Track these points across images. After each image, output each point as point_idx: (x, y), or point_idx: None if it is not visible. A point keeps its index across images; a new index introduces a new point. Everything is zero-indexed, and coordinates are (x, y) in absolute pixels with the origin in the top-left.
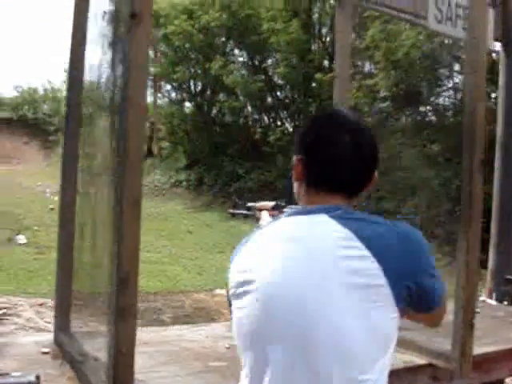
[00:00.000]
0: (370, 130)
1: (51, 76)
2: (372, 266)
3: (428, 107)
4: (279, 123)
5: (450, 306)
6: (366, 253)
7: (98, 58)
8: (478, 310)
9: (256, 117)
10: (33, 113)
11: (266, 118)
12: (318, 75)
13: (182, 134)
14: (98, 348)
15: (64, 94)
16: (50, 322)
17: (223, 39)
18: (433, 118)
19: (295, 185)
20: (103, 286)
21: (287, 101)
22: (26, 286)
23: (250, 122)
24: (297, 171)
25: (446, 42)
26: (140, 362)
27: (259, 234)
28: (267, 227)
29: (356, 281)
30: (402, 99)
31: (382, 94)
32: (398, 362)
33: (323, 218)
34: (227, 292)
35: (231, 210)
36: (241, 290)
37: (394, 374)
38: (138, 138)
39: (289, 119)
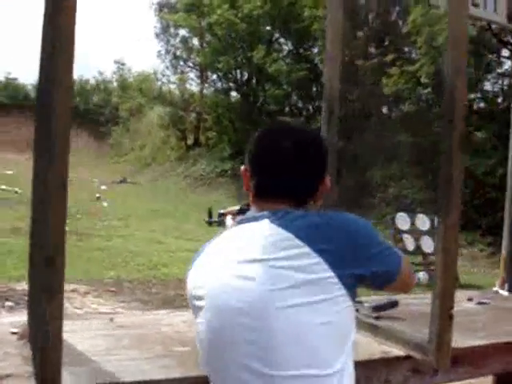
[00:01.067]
0: (316, 137)
1: (102, 67)
2: (314, 260)
3: (475, 94)
4: None
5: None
6: (307, 249)
7: None
8: (487, 300)
9: (300, 105)
10: (84, 104)
11: (310, 107)
12: (358, 62)
13: (227, 123)
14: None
15: (115, 84)
16: (79, 308)
17: (268, 28)
18: (480, 104)
19: (249, 194)
20: None
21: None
22: None
23: (295, 111)
24: (244, 181)
25: (494, 26)
26: (103, 344)
27: (209, 245)
28: (216, 238)
29: (302, 278)
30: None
31: (424, 80)
32: (374, 352)
33: (264, 224)
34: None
35: (206, 219)
36: (195, 303)
37: (370, 366)
38: (63, 119)
39: None
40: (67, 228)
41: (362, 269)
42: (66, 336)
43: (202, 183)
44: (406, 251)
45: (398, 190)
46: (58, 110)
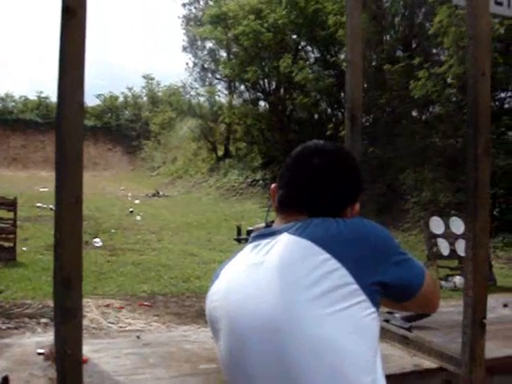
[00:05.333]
0: (350, 160)
1: (129, 82)
2: (335, 267)
3: (506, 93)
4: None
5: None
6: (327, 256)
7: None
8: None
9: (329, 112)
10: (115, 120)
11: (339, 114)
12: (386, 66)
13: (257, 133)
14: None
15: (144, 99)
16: (113, 323)
17: (294, 36)
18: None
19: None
20: None
21: (363, 94)
22: (95, 287)
23: (324, 118)
24: (273, 198)
25: None
26: (128, 363)
27: (228, 264)
28: (234, 257)
29: (325, 286)
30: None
31: (451, 81)
32: (405, 365)
33: (283, 237)
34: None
35: (235, 237)
36: (214, 326)
37: (402, 379)
38: (75, 137)
39: (363, 113)
40: (101, 243)
41: (383, 276)
42: (91, 355)
43: (234, 194)
44: (441, 255)
45: (431, 194)
46: (68, 127)
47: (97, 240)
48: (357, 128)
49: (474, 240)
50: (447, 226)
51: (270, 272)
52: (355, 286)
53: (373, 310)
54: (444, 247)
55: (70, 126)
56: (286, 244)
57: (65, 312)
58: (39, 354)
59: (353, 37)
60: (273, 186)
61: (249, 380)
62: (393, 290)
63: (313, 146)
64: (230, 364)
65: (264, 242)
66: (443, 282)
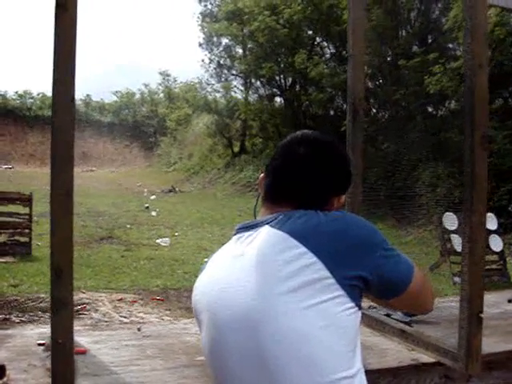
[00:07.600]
0: (338, 152)
1: (146, 79)
2: (311, 260)
3: None
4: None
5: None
6: (304, 249)
7: None
8: None
9: (345, 108)
10: (132, 116)
11: None
12: (401, 61)
13: (273, 129)
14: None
15: (161, 95)
16: (125, 317)
17: (309, 32)
18: None
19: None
20: None
21: (379, 89)
22: (109, 281)
23: (339, 114)
24: (260, 188)
25: None
26: (126, 355)
27: (214, 256)
28: (220, 249)
29: (301, 280)
30: (490, 81)
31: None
32: (403, 359)
33: (264, 229)
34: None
35: None
36: (198, 318)
37: (399, 373)
38: (65, 131)
39: (379, 108)
40: (116, 239)
41: (364, 271)
42: (91, 346)
43: (250, 189)
44: (454, 251)
45: (446, 189)
46: (59, 121)
47: (165, 239)
48: (358, 122)
49: (470, 234)
50: (460, 222)
51: (248, 265)
52: (331, 281)
53: (351, 304)
54: (457, 243)
55: (60, 120)
56: (264, 237)
57: (56, 301)
58: (39, 344)
59: (354, 30)
60: (261, 175)
61: (228, 372)
62: (376, 286)
63: (300, 135)
64: (211, 355)
65: (246, 234)
66: (456, 278)
